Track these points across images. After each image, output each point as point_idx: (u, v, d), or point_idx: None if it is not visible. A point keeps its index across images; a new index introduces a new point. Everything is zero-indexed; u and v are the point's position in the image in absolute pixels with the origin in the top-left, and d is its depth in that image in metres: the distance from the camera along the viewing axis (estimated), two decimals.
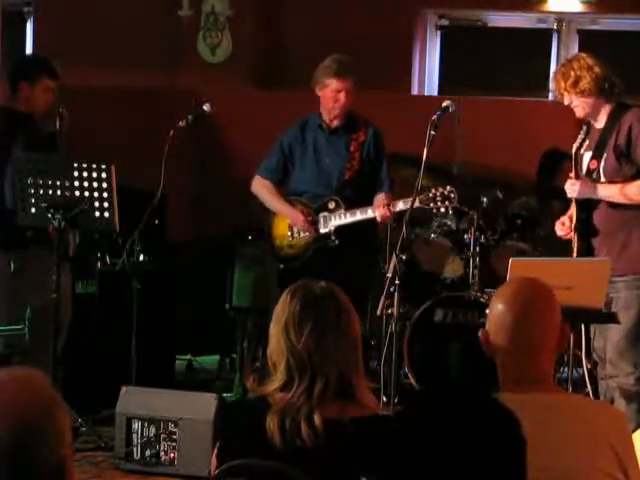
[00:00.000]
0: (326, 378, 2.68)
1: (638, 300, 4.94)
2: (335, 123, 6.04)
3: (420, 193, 5.62)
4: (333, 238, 5.96)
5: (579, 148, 5.08)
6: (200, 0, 8.30)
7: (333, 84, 5.91)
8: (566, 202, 5.28)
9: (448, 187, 5.78)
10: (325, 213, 5.99)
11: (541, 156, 7.22)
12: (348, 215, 5.92)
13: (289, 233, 6.10)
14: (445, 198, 5.75)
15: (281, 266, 6.09)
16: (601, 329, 5.04)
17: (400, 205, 5.75)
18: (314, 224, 6.00)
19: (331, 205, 5.99)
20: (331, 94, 5.93)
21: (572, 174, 5.02)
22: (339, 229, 5.95)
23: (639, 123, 4.94)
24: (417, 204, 5.68)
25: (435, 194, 5.75)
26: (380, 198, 5.89)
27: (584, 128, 5.12)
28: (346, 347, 2.72)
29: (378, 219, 5.81)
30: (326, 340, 2.70)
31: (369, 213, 5.85)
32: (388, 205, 5.72)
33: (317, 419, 2.64)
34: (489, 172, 7.32)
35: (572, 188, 5.01)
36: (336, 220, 5.96)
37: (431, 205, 5.77)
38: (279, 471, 2.55)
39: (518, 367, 2.73)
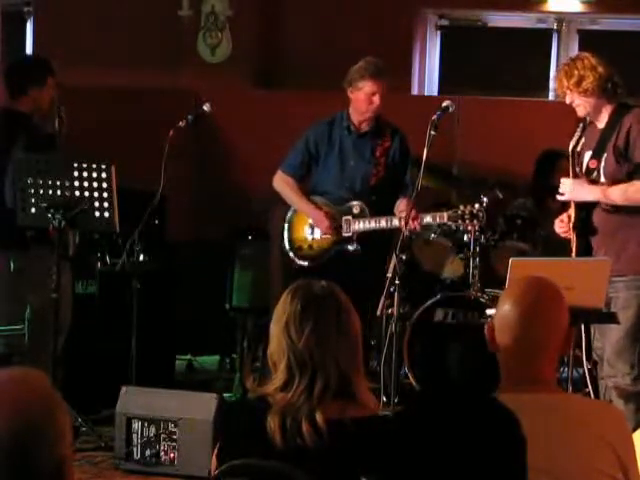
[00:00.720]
0: (326, 377, 2.68)
1: (637, 300, 4.94)
2: (364, 127, 5.99)
3: (449, 209, 5.72)
4: (354, 243, 5.93)
5: (575, 146, 5.08)
6: (200, 0, 8.30)
7: (367, 86, 5.85)
8: (563, 202, 5.27)
9: (477, 205, 5.78)
10: (349, 217, 5.96)
11: (537, 157, 7.22)
12: (372, 222, 5.89)
13: (309, 232, 6.07)
14: (473, 217, 5.76)
15: (298, 265, 6.04)
16: (601, 329, 5.04)
17: (427, 219, 5.74)
18: (338, 227, 5.96)
19: (356, 210, 5.95)
20: (365, 96, 5.87)
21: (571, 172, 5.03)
22: (361, 234, 5.92)
23: (638, 125, 4.94)
24: (444, 220, 5.72)
25: (464, 212, 5.75)
26: (402, 203, 5.86)
27: (580, 126, 5.11)
28: (346, 347, 2.72)
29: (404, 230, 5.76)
30: (326, 339, 2.70)
31: (394, 223, 5.81)
32: (415, 219, 5.62)
33: (318, 419, 2.64)
34: (489, 172, 7.31)
35: (565, 189, 5.01)
36: (359, 225, 5.92)
37: (459, 222, 5.79)
38: (280, 471, 2.54)
39: (521, 367, 2.72)
